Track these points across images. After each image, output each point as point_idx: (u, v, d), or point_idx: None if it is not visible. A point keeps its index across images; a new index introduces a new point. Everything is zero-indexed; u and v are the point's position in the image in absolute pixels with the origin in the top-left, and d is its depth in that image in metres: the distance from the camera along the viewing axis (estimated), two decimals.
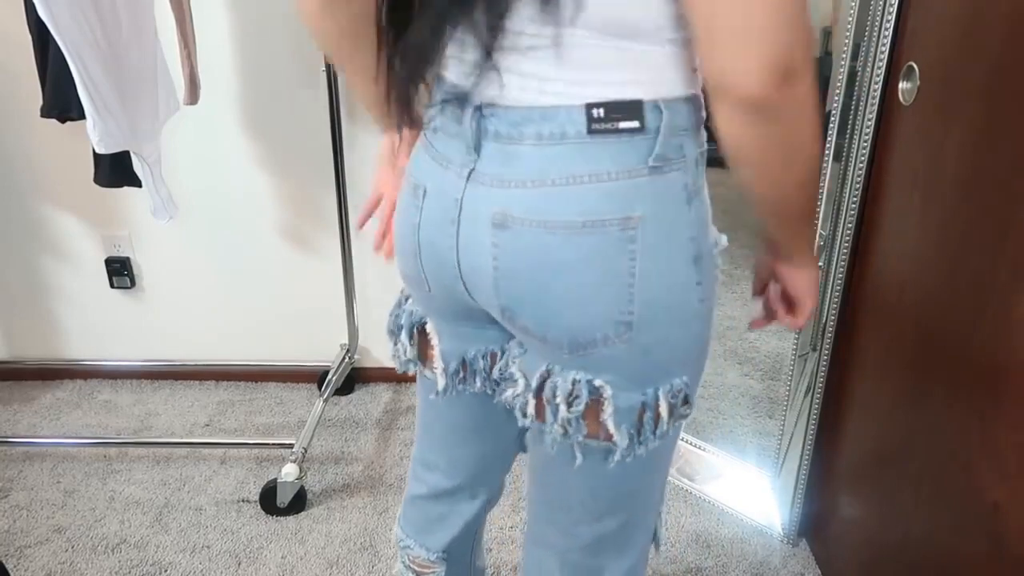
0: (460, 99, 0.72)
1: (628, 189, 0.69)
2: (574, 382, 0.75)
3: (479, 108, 0.71)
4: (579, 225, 0.69)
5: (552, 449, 0.79)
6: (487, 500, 1.05)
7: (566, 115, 0.68)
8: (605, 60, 0.66)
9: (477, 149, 0.72)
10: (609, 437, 0.76)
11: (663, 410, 0.75)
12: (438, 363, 0.88)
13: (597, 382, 0.74)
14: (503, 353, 0.85)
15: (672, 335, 0.74)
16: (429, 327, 0.89)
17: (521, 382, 0.80)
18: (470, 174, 0.73)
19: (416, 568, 1.07)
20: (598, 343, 0.72)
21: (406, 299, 0.92)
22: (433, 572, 1.06)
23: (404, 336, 0.92)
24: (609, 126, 0.68)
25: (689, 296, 0.72)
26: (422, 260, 0.80)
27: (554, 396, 0.76)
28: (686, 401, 0.77)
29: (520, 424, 0.82)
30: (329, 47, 0.85)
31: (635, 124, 0.68)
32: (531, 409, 0.79)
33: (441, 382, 0.89)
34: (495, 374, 0.86)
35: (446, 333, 0.87)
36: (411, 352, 0.92)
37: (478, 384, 0.88)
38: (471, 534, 1.07)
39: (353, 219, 1.96)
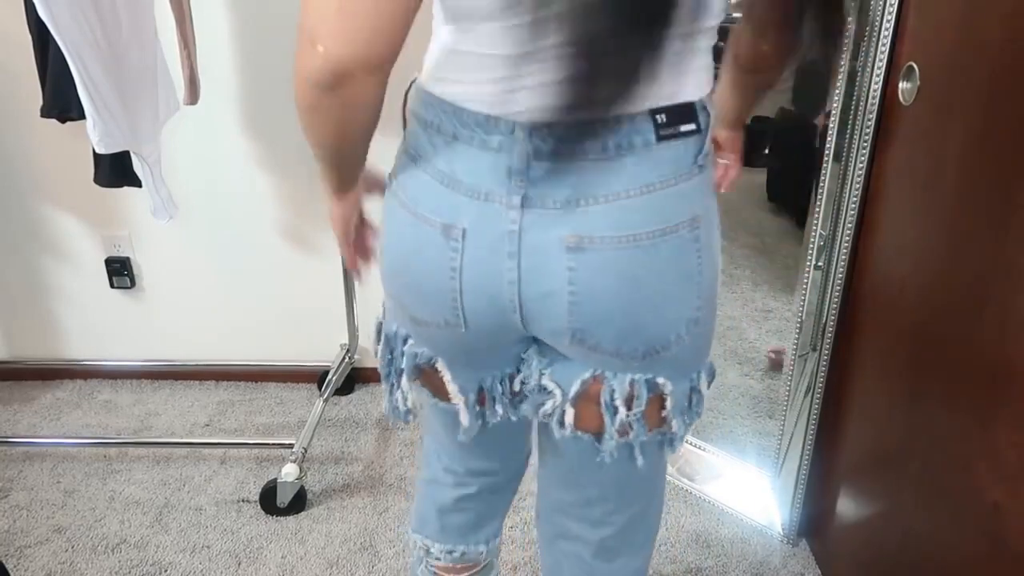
0: (491, 123, 0.67)
1: (690, 190, 0.70)
2: (632, 383, 0.75)
3: (528, 130, 0.66)
4: (660, 234, 0.69)
5: (610, 455, 0.78)
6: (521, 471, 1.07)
7: (630, 124, 0.66)
8: (664, 65, 0.65)
9: (524, 173, 0.67)
10: (670, 428, 0.77)
11: (704, 388, 0.78)
12: (457, 398, 0.82)
13: (660, 379, 0.75)
14: (519, 370, 0.82)
15: (713, 321, 0.77)
16: (440, 364, 0.82)
17: (558, 393, 0.78)
18: (523, 201, 0.68)
19: (459, 570, 1.06)
20: (671, 344, 0.73)
21: (404, 340, 0.83)
22: (484, 563, 1.07)
23: (405, 382, 0.85)
24: (673, 131, 0.68)
25: (718, 281, 0.76)
26: (463, 302, 0.73)
27: (612, 400, 0.75)
28: (712, 374, 0.81)
29: (557, 436, 0.80)
30: (370, 116, 0.70)
31: (693, 127, 0.69)
32: (569, 419, 0.78)
33: (466, 419, 0.83)
34: (516, 387, 0.83)
35: (460, 366, 0.82)
36: (411, 401, 0.86)
37: (499, 411, 0.84)
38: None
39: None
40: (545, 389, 0.79)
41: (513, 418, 0.85)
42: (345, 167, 0.78)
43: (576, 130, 0.66)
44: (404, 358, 0.82)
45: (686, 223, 0.70)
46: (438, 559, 1.05)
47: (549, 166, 0.67)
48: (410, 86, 0.75)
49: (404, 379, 0.84)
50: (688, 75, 0.68)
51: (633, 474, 0.83)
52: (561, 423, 0.78)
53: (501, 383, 0.82)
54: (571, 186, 0.67)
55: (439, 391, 0.84)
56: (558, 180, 0.67)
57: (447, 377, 0.81)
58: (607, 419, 0.76)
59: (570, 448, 0.84)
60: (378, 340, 0.87)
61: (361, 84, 0.63)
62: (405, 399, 0.86)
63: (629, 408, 0.75)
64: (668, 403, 0.76)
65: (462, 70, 0.68)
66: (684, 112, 0.68)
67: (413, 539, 1.08)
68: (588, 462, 0.82)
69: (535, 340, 0.78)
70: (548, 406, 0.79)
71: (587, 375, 0.75)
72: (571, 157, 0.66)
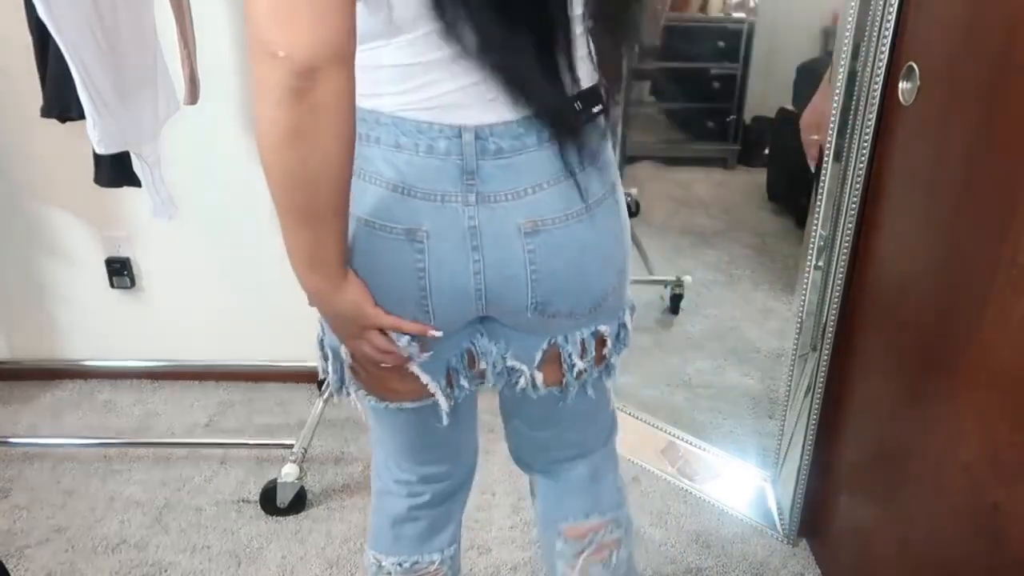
0: (434, 129, 0.71)
1: (607, 160, 0.80)
2: (582, 340, 0.85)
3: (473, 132, 0.71)
4: (596, 204, 0.78)
5: (571, 397, 0.90)
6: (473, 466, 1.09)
7: None
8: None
9: (474, 172, 0.72)
10: (609, 362, 0.90)
11: (629, 322, 0.90)
12: (431, 386, 0.85)
13: (601, 327, 0.86)
14: (473, 343, 0.87)
15: (630, 265, 0.88)
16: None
17: (525, 368, 0.86)
18: (478, 198, 0.73)
19: None
20: (609, 296, 0.83)
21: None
22: (444, 568, 1.07)
23: (357, 391, 0.90)
24: (589, 113, 0.76)
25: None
26: (432, 299, 0.77)
27: (570, 358, 0.86)
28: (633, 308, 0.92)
29: (533, 397, 0.89)
30: (348, 124, 0.67)
31: (600, 106, 0.77)
32: (540, 381, 0.87)
33: (444, 402, 0.87)
34: (480, 365, 0.88)
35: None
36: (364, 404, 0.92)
37: (465, 385, 0.89)
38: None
39: None
40: (513, 369, 0.87)
41: (473, 390, 0.92)
42: (335, 213, 0.69)
43: (516, 125, 0.72)
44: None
45: (610, 189, 0.80)
46: (389, 573, 1.05)
47: (496, 163, 0.72)
48: None
49: (356, 389, 0.89)
50: (583, 60, 0.75)
51: (587, 402, 0.95)
52: (534, 387, 0.88)
53: (461, 359, 0.87)
54: (518, 177, 0.73)
55: (393, 392, 0.88)
56: (506, 174, 0.73)
57: (417, 369, 0.84)
58: (568, 374, 0.87)
59: (538, 401, 0.92)
60: (324, 357, 0.88)
61: (333, 80, 0.61)
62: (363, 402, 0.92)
63: (583, 359, 0.86)
64: (608, 344, 0.88)
65: (396, 82, 0.71)
66: (594, 95, 0.76)
67: (366, 557, 1.08)
68: (552, 406, 0.93)
69: (481, 320, 0.85)
70: (522, 381, 0.87)
71: (544, 345, 0.85)
72: (512, 152, 0.73)
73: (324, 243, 0.71)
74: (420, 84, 0.70)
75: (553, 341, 0.84)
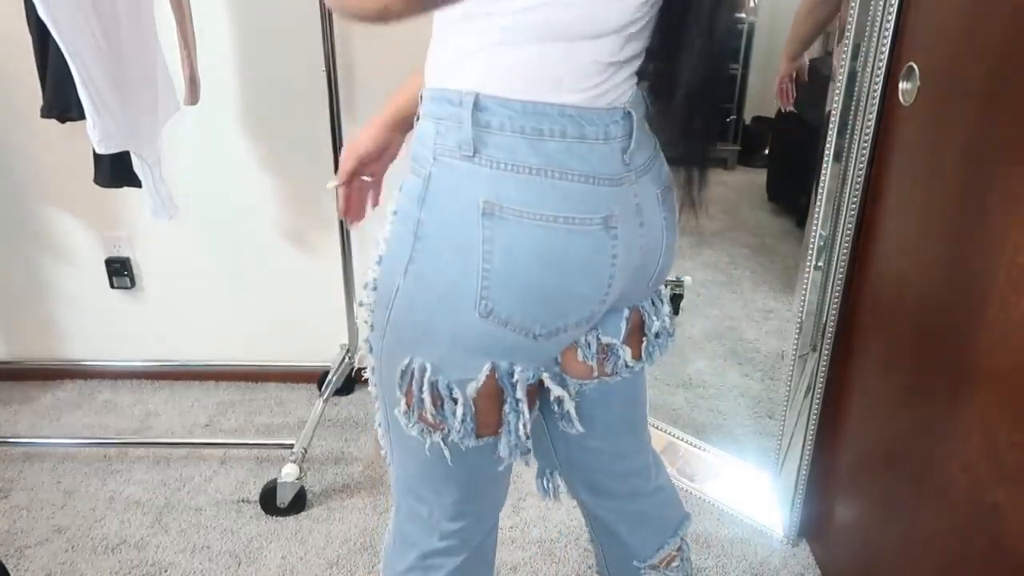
0: (610, 115, 0.72)
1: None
2: (653, 299, 0.87)
3: (624, 111, 0.73)
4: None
5: (652, 362, 0.90)
6: None
7: None
8: None
9: (630, 151, 0.74)
10: (667, 328, 0.90)
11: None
12: (568, 402, 0.82)
13: (661, 289, 0.89)
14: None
15: None
16: (544, 376, 0.80)
17: (616, 343, 0.85)
18: (636, 175, 0.75)
19: None
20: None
21: (512, 369, 0.75)
22: None
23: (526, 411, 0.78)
24: None
25: None
26: (612, 287, 0.75)
27: (651, 322, 0.87)
28: None
29: (623, 376, 0.88)
30: None
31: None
32: (629, 356, 0.86)
33: (573, 409, 0.84)
34: (590, 358, 0.85)
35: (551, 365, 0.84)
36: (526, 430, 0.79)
37: (538, 406, 0.86)
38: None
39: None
40: (614, 348, 0.85)
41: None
42: None
43: (641, 103, 0.76)
44: (520, 386, 0.75)
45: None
46: None
47: (636, 138, 0.74)
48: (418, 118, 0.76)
49: (525, 410, 0.78)
50: None
51: (643, 381, 0.95)
52: (626, 366, 0.86)
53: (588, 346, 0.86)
54: (643, 150, 0.76)
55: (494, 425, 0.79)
56: (640, 148, 0.75)
57: (551, 381, 0.79)
58: (647, 335, 0.88)
59: (616, 395, 0.90)
60: (439, 403, 0.76)
61: None
62: (526, 432, 0.78)
63: (658, 318, 0.87)
64: (664, 304, 0.90)
65: (584, 77, 0.70)
66: None
67: None
68: (631, 398, 0.93)
69: None
70: (618, 360, 0.86)
71: (627, 313, 0.84)
72: (639, 126, 0.75)
73: None
74: (608, 76, 0.72)
75: (632, 307, 0.85)
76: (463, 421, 0.75)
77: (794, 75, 1.81)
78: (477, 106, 0.67)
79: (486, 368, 0.73)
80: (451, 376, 0.74)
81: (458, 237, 0.69)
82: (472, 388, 0.74)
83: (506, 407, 0.76)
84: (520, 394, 0.75)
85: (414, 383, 0.75)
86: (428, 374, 0.74)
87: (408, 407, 0.77)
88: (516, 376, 0.75)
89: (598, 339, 0.83)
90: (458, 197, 0.69)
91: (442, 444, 0.78)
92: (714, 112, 0.80)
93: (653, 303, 0.87)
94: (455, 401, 0.75)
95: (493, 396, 0.76)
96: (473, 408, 0.75)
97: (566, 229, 0.70)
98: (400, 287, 0.73)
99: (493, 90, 0.68)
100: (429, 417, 0.76)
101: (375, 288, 0.78)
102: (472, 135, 0.68)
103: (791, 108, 1.85)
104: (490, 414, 0.77)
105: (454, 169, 0.69)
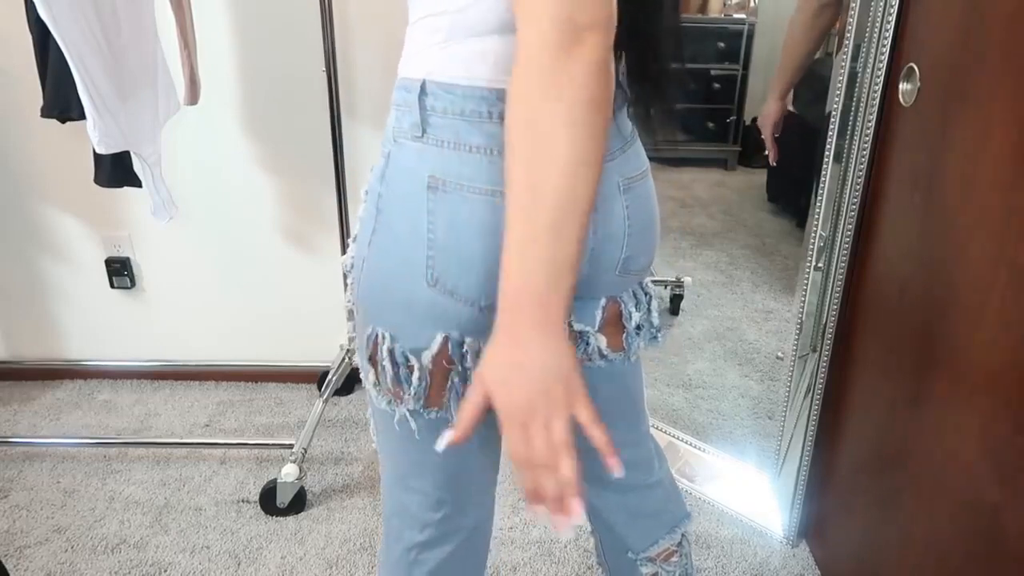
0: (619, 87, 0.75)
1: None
2: (634, 292, 0.87)
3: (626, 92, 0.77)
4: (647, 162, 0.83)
5: (633, 356, 0.89)
6: None
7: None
8: None
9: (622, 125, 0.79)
10: (653, 323, 0.90)
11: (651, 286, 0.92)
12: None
13: (646, 282, 0.88)
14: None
15: None
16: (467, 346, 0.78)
17: (590, 330, 0.85)
18: (624, 145, 0.79)
19: None
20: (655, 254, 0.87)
21: (462, 339, 0.76)
22: None
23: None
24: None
25: None
26: (627, 244, 0.81)
27: (629, 315, 0.86)
28: None
29: (599, 366, 0.88)
30: None
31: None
32: (604, 345, 0.85)
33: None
34: None
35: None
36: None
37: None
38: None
39: (353, 217, 1.96)
40: (580, 334, 0.85)
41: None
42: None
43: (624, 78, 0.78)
44: (465, 357, 0.76)
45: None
46: None
47: (621, 114, 0.78)
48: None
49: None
50: None
51: (634, 373, 0.95)
52: (601, 355, 0.86)
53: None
54: (621, 131, 0.78)
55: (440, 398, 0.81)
56: (613, 132, 0.77)
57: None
58: (629, 327, 0.87)
59: (603, 383, 0.90)
60: (397, 369, 0.78)
61: (605, 45, 0.60)
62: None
63: (638, 311, 0.87)
64: (651, 297, 0.89)
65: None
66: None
67: None
68: (628, 370, 0.93)
69: None
70: (589, 346, 0.86)
71: (603, 302, 0.84)
72: (618, 108, 0.77)
73: (573, 251, 0.61)
74: None
75: (609, 298, 0.85)
76: (416, 389, 0.78)
77: (779, 121, 1.76)
78: (424, 91, 0.73)
79: (439, 338, 0.76)
80: (407, 344, 0.77)
81: (408, 209, 0.74)
82: (427, 357, 0.77)
83: (455, 377, 0.78)
84: (470, 363, 0.77)
85: (378, 351, 0.79)
86: (387, 342, 0.78)
87: (377, 378, 0.80)
88: (466, 347, 0.77)
89: (570, 325, 0.85)
90: (409, 174, 0.74)
91: (408, 416, 0.80)
92: (671, 43, 0.79)
93: (635, 295, 0.87)
94: (410, 369, 0.78)
95: (448, 369, 0.78)
96: (429, 379, 0.78)
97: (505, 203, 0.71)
98: (366, 258, 0.78)
99: (439, 77, 0.73)
100: (390, 386, 0.79)
101: (352, 267, 0.82)
102: (420, 118, 0.73)
103: (774, 163, 1.85)
104: (443, 387, 0.79)
105: (407, 149, 0.75)
